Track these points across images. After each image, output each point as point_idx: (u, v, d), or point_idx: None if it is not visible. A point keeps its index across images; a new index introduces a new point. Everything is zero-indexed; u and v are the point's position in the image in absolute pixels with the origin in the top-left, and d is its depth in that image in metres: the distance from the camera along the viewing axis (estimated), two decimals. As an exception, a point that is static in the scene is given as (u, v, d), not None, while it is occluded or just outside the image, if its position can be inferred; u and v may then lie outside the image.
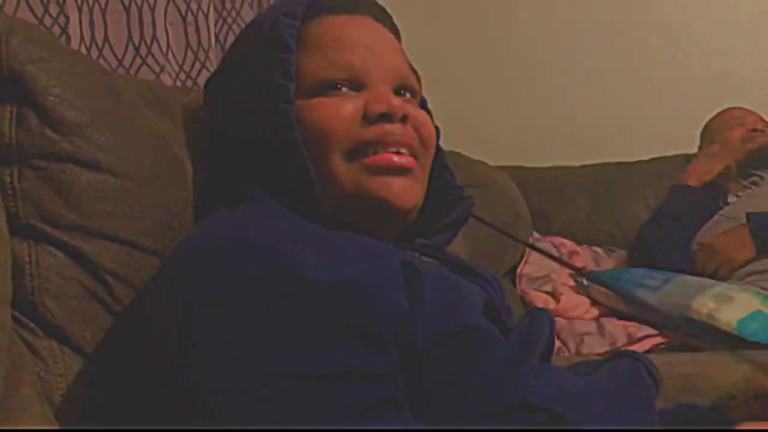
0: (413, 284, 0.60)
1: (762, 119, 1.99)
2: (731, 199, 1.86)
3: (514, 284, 1.78)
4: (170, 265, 0.63)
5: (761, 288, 1.57)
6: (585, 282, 1.64)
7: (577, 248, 1.93)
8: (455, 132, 2.39)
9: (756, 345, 1.39)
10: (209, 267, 0.58)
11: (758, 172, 1.87)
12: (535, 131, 2.47)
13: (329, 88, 0.71)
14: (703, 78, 2.35)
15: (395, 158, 0.69)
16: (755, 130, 1.93)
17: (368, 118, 0.69)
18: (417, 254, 0.71)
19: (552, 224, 2.09)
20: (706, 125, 2.07)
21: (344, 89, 0.71)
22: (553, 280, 1.73)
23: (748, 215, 1.73)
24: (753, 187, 1.86)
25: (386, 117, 0.69)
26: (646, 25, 2.42)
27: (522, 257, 1.85)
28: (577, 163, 2.28)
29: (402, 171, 0.70)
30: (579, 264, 1.86)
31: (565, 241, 1.95)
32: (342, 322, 0.55)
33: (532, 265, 1.80)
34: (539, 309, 0.71)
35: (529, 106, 2.50)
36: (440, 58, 2.55)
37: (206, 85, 0.81)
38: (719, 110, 2.06)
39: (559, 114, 2.47)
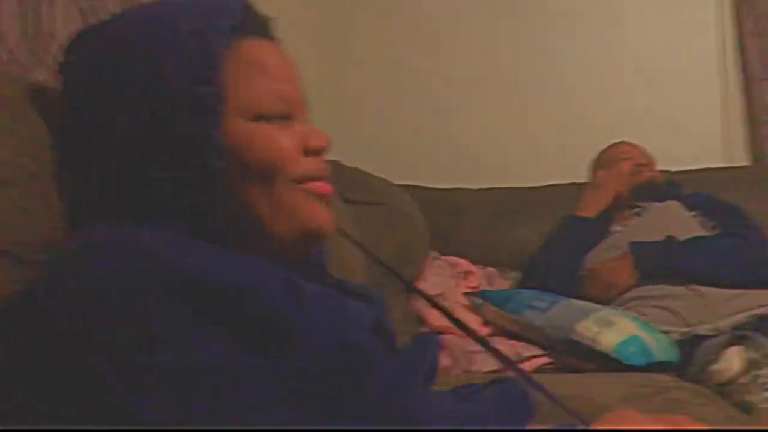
0: (299, 300, 0.61)
1: (647, 154, 2.11)
2: (616, 227, 1.97)
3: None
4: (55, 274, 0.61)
5: (640, 313, 1.66)
6: (478, 301, 1.69)
7: (473, 268, 1.98)
8: (359, 149, 2.45)
9: (632, 368, 1.47)
10: (97, 271, 0.59)
11: (641, 204, 1.98)
12: (438, 152, 2.54)
13: (264, 117, 0.71)
14: (597, 112, 2.48)
15: (327, 188, 0.74)
16: (641, 165, 2.04)
17: (308, 152, 0.72)
18: (305, 275, 0.72)
19: (451, 244, 2.13)
20: (596, 158, 2.18)
21: (277, 119, 0.72)
22: (447, 299, 1.77)
23: (631, 244, 1.83)
24: (636, 218, 1.97)
25: (321, 151, 0.73)
26: (547, 58, 2.54)
27: (419, 275, 1.88)
28: (477, 186, 2.34)
29: (328, 200, 0.74)
30: (473, 284, 1.91)
31: (461, 260, 1.99)
32: (226, 323, 0.57)
33: (427, 282, 1.83)
34: (427, 334, 0.72)
35: (434, 126, 2.56)
36: (347, 75, 2.59)
37: (68, 74, 0.73)
38: (609, 144, 2.17)
39: (462, 136, 2.54)
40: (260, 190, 0.69)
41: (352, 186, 1.70)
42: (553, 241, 1.97)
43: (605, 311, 1.59)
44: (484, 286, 1.98)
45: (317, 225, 0.71)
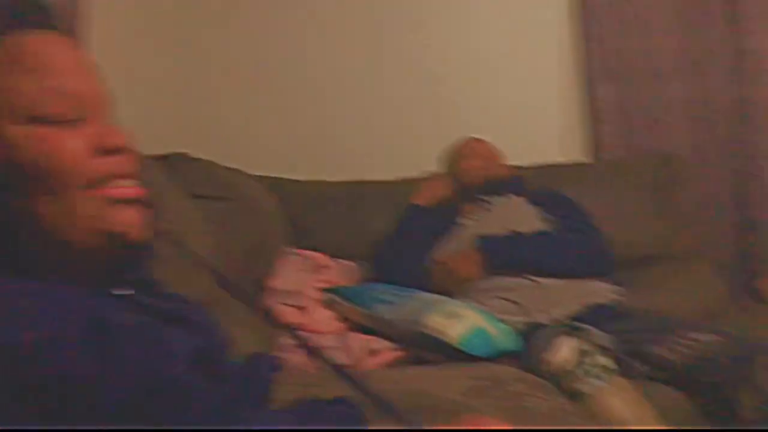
0: (105, 343, 0.58)
1: (493, 150, 2.20)
2: (464, 221, 2.04)
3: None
4: None
5: (485, 304, 1.73)
6: (331, 298, 1.70)
7: (329, 262, 1.98)
8: (214, 139, 2.40)
9: (478, 358, 1.54)
10: None
11: (488, 199, 2.06)
12: (297, 143, 2.52)
13: (41, 119, 0.65)
14: (449, 107, 2.55)
15: (129, 190, 0.68)
16: (487, 160, 2.12)
17: (100, 152, 0.67)
18: (118, 306, 0.68)
19: (311, 238, 2.12)
20: (445, 153, 2.25)
21: (61, 120, 0.66)
22: (302, 294, 1.77)
23: (478, 238, 1.90)
24: (483, 212, 2.05)
25: (117, 151, 0.67)
26: (402, 54, 2.57)
27: (272, 270, 1.86)
28: (336, 179, 2.34)
29: (136, 202, 0.68)
30: (329, 278, 1.91)
31: (317, 254, 1.98)
32: (16, 384, 0.53)
33: (282, 278, 1.82)
34: (260, 355, 0.72)
35: (291, 117, 2.54)
36: (203, 65, 2.51)
37: None
38: (459, 139, 2.24)
39: (320, 128, 2.54)
40: (50, 201, 0.63)
41: (201, 180, 1.65)
42: (395, 233, 2.02)
43: (452, 304, 1.64)
44: (341, 280, 2.00)
45: (121, 231, 0.66)
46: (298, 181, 2.30)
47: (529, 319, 1.74)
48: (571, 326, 1.56)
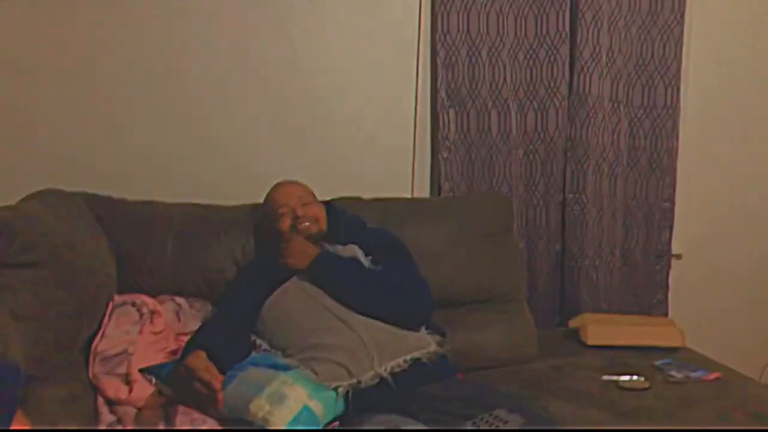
0: None
1: (302, 193, 2.15)
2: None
3: (88, 363, 1.72)
4: None
5: (314, 371, 1.78)
6: (153, 380, 1.68)
7: (159, 308, 1.94)
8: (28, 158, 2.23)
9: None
10: None
11: (324, 245, 2.09)
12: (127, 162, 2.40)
13: None
14: (294, 136, 2.54)
15: None
16: (297, 217, 2.08)
17: None
18: None
19: (138, 270, 2.06)
20: (264, 203, 2.18)
21: None
22: (130, 356, 1.73)
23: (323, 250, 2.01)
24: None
25: None
26: (249, 83, 2.51)
27: (99, 329, 1.79)
28: (169, 200, 2.25)
29: None
30: (159, 327, 1.88)
31: (147, 299, 1.93)
32: None
33: (109, 338, 1.76)
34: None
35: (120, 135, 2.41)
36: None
37: None
38: (273, 185, 2.19)
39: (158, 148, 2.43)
40: None
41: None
42: (236, 281, 2.04)
43: (280, 381, 1.67)
44: (173, 324, 1.97)
45: None
46: (124, 200, 2.19)
47: (355, 381, 1.81)
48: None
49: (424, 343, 1.97)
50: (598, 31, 2.65)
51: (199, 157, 2.46)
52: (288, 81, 2.53)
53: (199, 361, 1.64)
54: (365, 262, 2.02)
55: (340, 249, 2.06)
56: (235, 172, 2.49)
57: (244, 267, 2.11)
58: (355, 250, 2.05)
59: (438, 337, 2.01)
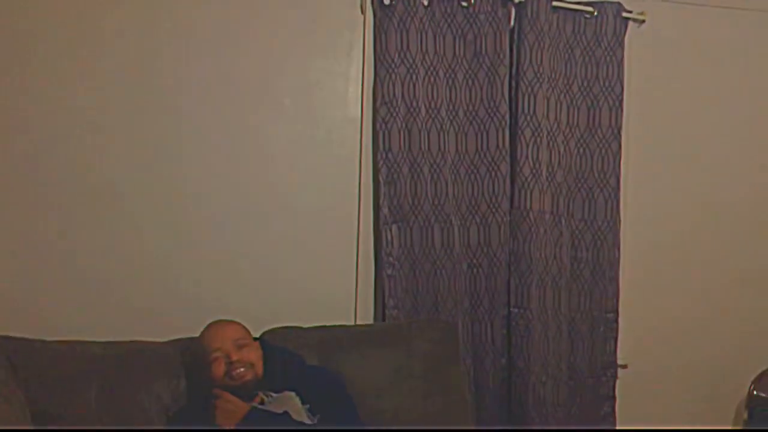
0: None
1: (238, 336, 2.04)
2: None
3: None
4: None
5: None
6: None
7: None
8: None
9: None
10: None
11: (263, 394, 1.99)
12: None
13: None
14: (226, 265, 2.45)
15: None
16: (231, 362, 1.97)
17: None
18: None
19: (59, 421, 1.91)
20: (196, 345, 2.07)
21: None
22: None
23: (253, 407, 1.90)
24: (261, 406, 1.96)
25: None
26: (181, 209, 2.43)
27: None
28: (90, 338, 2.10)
29: None
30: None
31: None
32: None
33: None
34: None
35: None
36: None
37: None
38: (205, 326, 2.09)
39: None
40: None
41: None
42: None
43: None
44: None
45: None
46: (34, 340, 2.00)
47: None
48: None
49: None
50: (538, 148, 2.66)
51: (123, 286, 2.34)
52: (225, 201, 2.46)
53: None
54: (302, 412, 1.92)
55: (274, 398, 1.96)
56: (163, 302, 2.37)
57: (173, 417, 1.98)
58: (291, 398, 1.95)
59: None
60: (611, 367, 2.84)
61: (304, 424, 1.90)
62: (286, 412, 1.88)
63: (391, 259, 2.60)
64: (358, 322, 2.58)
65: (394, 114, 2.55)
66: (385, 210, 2.58)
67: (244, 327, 2.08)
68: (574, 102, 2.75)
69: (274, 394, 1.96)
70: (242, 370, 1.97)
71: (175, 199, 2.40)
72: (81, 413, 1.93)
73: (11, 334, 1.99)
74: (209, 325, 2.07)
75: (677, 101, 2.89)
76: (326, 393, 2.00)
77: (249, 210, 2.49)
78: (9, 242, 2.25)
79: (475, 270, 2.70)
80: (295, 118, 2.54)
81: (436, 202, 2.62)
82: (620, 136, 2.77)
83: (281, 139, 2.52)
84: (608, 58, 2.76)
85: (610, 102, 2.76)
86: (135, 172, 2.36)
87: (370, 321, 2.64)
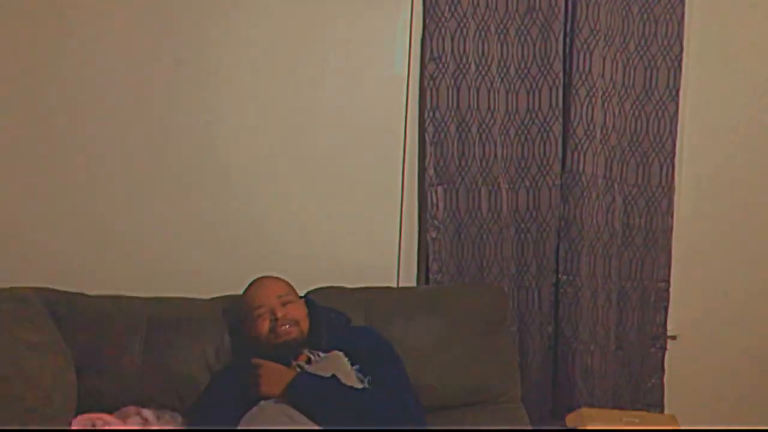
0: None
1: (283, 292, 1.98)
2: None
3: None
4: None
5: None
6: None
7: (120, 425, 1.75)
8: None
9: None
10: None
11: (309, 353, 1.92)
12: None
13: None
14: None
15: None
16: (276, 319, 1.91)
17: None
18: None
19: (101, 379, 1.87)
20: (241, 301, 2.00)
21: None
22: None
23: (302, 371, 1.83)
24: (307, 366, 1.90)
25: None
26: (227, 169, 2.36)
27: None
28: (133, 293, 2.07)
29: None
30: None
31: (109, 419, 1.74)
32: None
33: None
34: None
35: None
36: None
37: None
38: (251, 281, 2.02)
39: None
40: None
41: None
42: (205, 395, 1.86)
43: None
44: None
45: None
46: (82, 294, 1.98)
47: None
48: None
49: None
50: (592, 108, 2.54)
51: (169, 246, 2.29)
52: (268, 160, 2.39)
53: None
54: (351, 374, 1.85)
55: (321, 358, 1.89)
56: (208, 261, 2.32)
57: (216, 376, 1.93)
58: (338, 358, 1.88)
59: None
60: (661, 338, 2.74)
61: (354, 389, 1.82)
62: (334, 376, 1.81)
63: (435, 222, 2.52)
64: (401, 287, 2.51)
65: (443, 70, 2.45)
66: (431, 171, 2.50)
67: (288, 284, 2.02)
68: (631, 61, 2.62)
69: (321, 354, 1.89)
70: (287, 326, 1.90)
71: (219, 158, 2.34)
72: (124, 368, 1.89)
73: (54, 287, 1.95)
74: (253, 282, 2.00)
75: (740, 62, 2.74)
76: (375, 353, 1.93)
77: (291, 169, 2.43)
78: (50, 197, 2.20)
79: (522, 235, 2.61)
80: (339, 75, 2.45)
81: (483, 164, 2.53)
82: (678, 98, 2.64)
83: (324, 96, 2.44)
84: (668, 15, 2.62)
85: (669, 62, 2.63)
86: (177, 127, 2.30)
87: (413, 286, 2.56)
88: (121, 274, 2.22)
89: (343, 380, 1.83)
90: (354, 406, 1.77)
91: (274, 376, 1.80)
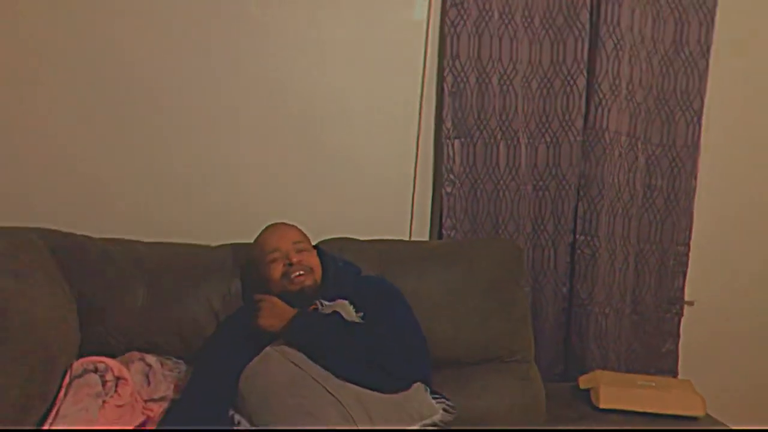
0: None
1: (298, 238, 1.91)
2: None
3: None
4: None
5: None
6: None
7: (125, 373, 1.69)
8: None
9: None
10: None
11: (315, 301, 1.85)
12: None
13: None
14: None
15: None
16: (291, 264, 1.84)
17: None
18: None
19: (104, 322, 1.82)
20: (253, 246, 1.93)
21: None
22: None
23: (303, 309, 1.76)
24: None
25: None
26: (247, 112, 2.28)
27: (53, 406, 1.54)
28: (139, 238, 2.00)
29: None
30: (125, 399, 1.64)
31: (111, 363, 1.68)
32: None
33: (64, 419, 1.50)
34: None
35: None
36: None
37: None
38: (265, 226, 1.95)
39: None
40: None
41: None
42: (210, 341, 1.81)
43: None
44: (141, 388, 1.73)
45: None
46: (82, 235, 1.90)
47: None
48: None
49: (429, 412, 1.75)
50: (619, 62, 2.43)
51: (175, 192, 2.21)
52: (278, 106, 2.30)
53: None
54: (354, 319, 1.78)
55: (326, 306, 1.81)
56: (215, 208, 2.25)
57: (223, 323, 1.87)
58: (343, 307, 1.80)
59: (444, 403, 1.78)
60: (678, 302, 2.67)
61: (356, 324, 1.75)
62: (335, 312, 1.74)
63: (451, 176, 2.43)
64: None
65: (464, 17, 2.34)
66: (448, 123, 2.40)
67: (303, 232, 1.94)
68: (661, 14, 2.50)
69: (327, 302, 1.82)
70: (302, 273, 1.83)
71: (231, 104, 2.25)
72: (127, 311, 1.83)
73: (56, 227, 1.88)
74: (267, 227, 1.93)
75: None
76: (383, 300, 1.85)
77: (303, 116, 2.34)
78: (60, 137, 2.13)
79: (541, 192, 2.53)
80: (354, 19, 2.34)
81: (503, 117, 2.43)
82: (708, 54, 2.52)
83: (339, 42, 2.33)
84: (702, -34, 2.50)
85: (701, 16, 2.51)
86: (186, 75, 2.21)
87: (426, 240, 2.49)
88: (130, 219, 2.15)
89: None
90: (355, 339, 1.69)
91: (276, 310, 1.74)
